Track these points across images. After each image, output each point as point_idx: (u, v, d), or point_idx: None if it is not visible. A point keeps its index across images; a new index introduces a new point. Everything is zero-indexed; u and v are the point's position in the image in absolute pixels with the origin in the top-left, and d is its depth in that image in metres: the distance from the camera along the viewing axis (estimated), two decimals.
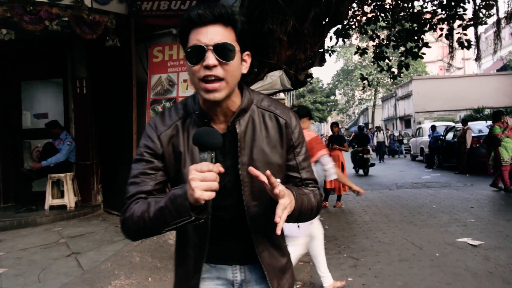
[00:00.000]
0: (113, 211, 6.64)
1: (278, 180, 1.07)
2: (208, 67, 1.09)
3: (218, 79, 1.10)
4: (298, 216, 1.20)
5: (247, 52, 1.21)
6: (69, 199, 6.57)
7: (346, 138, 14.20)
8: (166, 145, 1.22)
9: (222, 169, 1.01)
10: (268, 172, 1.04)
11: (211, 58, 1.08)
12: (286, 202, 1.06)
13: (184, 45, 1.16)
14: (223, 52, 1.09)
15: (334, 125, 8.82)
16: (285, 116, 1.28)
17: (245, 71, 1.21)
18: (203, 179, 0.97)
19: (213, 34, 1.10)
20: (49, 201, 6.49)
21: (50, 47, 7.09)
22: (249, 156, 1.21)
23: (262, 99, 1.29)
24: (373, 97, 38.94)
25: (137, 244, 4.56)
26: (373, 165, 14.64)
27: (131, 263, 3.97)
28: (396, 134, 25.52)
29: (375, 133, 22.57)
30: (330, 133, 9.66)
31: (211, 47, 1.09)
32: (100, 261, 4.09)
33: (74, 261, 4.22)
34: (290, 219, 1.14)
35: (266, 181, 1.05)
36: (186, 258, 1.28)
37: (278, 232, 1.03)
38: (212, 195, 0.98)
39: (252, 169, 1.07)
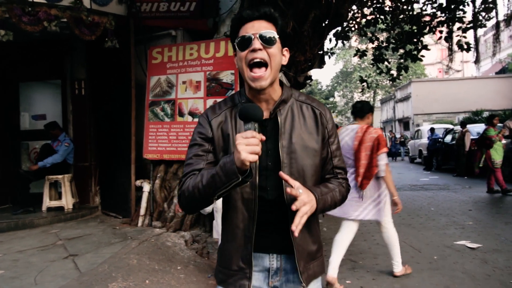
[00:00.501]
0: (111, 212, 6.62)
1: (300, 190, 1.24)
2: (254, 50, 1.31)
3: (263, 63, 1.32)
4: (319, 212, 1.35)
5: (285, 48, 1.43)
6: (67, 201, 6.54)
7: None
8: (216, 130, 1.42)
9: (263, 137, 1.16)
10: (292, 185, 1.24)
11: (257, 43, 1.31)
12: (305, 210, 1.23)
13: (233, 41, 1.39)
14: (266, 39, 1.32)
15: None
16: (320, 108, 1.47)
17: (285, 62, 1.43)
18: (248, 144, 1.12)
19: (259, 27, 1.33)
20: (47, 202, 6.47)
21: (49, 48, 7.07)
22: (288, 140, 1.38)
23: (300, 94, 1.50)
24: (372, 99, 38.97)
25: (134, 246, 4.55)
26: None
27: (129, 266, 3.95)
28: (398, 136, 25.16)
29: None
30: None
31: (257, 35, 1.32)
32: (97, 263, 4.07)
33: (72, 263, 4.19)
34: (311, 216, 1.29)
35: (293, 184, 1.24)
36: (236, 232, 1.40)
37: (296, 234, 1.18)
38: (255, 158, 1.13)
39: (281, 174, 1.24)
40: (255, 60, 1.31)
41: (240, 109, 1.21)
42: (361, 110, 4.03)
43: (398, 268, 4.03)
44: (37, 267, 4.09)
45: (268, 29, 1.33)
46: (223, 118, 1.43)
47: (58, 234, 5.41)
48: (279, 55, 1.37)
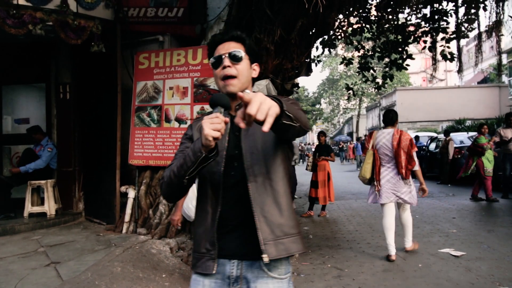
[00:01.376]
0: (95, 219, 6.52)
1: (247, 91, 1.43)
2: (225, 67, 1.53)
3: (232, 76, 1.53)
4: (288, 117, 1.29)
5: (256, 63, 1.65)
6: (49, 207, 6.42)
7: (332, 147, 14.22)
8: (196, 131, 1.62)
9: (227, 119, 1.30)
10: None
11: (226, 61, 1.54)
12: (259, 100, 1.16)
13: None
14: (234, 57, 1.55)
15: (321, 134, 8.83)
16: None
17: (255, 75, 1.65)
18: (211, 123, 1.27)
19: (228, 47, 1.57)
20: (29, 208, 6.33)
21: (34, 51, 6.98)
22: (249, 131, 1.51)
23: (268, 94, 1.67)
24: (357, 107, 39.37)
25: (118, 254, 4.48)
26: None
27: (112, 274, 3.88)
28: None
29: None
30: (316, 142, 9.68)
31: (227, 54, 1.55)
32: (80, 271, 4.00)
33: (53, 271, 4.11)
34: (289, 119, 1.28)
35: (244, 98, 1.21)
36: (205, 215, 1.53)
37: (265, 129, 1.14)
38: (217, 134, 1.26)
39: (239, 94, 1.22)
40: (226, 75, 1.53)
41: (210, 98, 1.39)
42: (392, 119, 5.16)
43: (409, 244, 5.12)
44: (17, 275, 4.00)
45: (236, 49, 1.56)
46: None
47: (40, 241, 5.30)
48: (248, 70, 1.59)
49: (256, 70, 1.65)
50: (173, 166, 1.46)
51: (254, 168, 1.49)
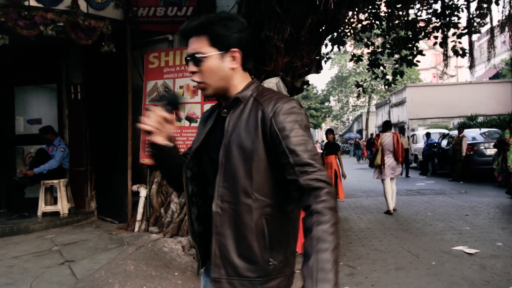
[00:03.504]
0: (107, 218, 6.57)
1: None
2: (191, 73, 1.36)
3: (200, 82, 1.35)
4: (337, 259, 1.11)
5: (233, 49, 1.32)
6: (63, 206, 6.48)
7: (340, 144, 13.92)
8: (200, 125, 1.56)
9: (170, 116, 1.38)
10: None
11: (191, 67, 1.35)
12: None
13: None
14: (195, 60, 1.32)
15: (329, 132, 8.79)
16: (265, 105, 1.29)
17: (235, 66, 1.34)
18: (148, 117, 1.35)
19: (190, 46, 1.34)
20: (42, 207, 6.41)
21: (45, 52, 7.04)
22: (228, 139, 1.30)
23: (261, 92, 1.37)
24: (367, 104, 39.12)
25: (131, 252, 4.51)
26: None
27: (126, 272, 3.91)
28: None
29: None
30: (325, 140, 9.66)
31: (189, 57, 1.34)
32: (94, 269, 4.03)
33: (68, 270, 4.15)
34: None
35: None
36: (190, 219, 1.48)
37: None
38: (146, 127, 1.38)
39: None
40: (194, 81, 1.38)
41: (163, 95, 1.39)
42: (390, 126, 8.04)
43: (394, 204, 7.75)
44: (32, 273, 4.05)
45: (196, 47, 1.32)
46: (203, 117, 1.56)
47: (53, 240, 5.36)
48: (218, 66, 1.32)
49: (236, 57, 1.34)
50: None
51: (223, 189, 1.29)
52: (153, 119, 1.36)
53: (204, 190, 1.44)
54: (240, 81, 1.37)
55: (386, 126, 8.00)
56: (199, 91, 5.70)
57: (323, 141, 37.56)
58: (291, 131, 1.23)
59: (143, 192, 5.84)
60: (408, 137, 15.62)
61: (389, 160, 7.62)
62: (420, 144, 17.64)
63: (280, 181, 1.28)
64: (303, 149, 1.22)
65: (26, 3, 4.98)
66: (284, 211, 1.32)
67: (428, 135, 16.01)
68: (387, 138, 7.70)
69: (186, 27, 1.35)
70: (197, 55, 1.31)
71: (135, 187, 5.92)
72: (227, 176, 1.28)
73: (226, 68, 1.34)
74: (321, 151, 9.54)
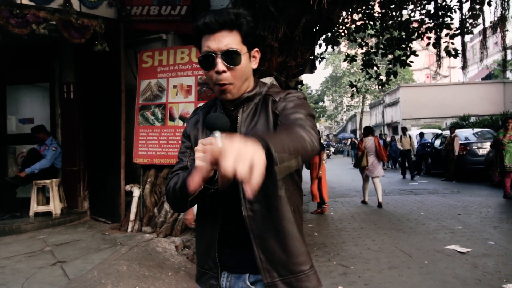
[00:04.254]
0: (100, 218, 6.53)
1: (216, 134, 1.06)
2: (218, 73, 1.20)
3: (229, 83, 1.23)
4: (296, 154, 1.00)
5: (256, 49, 1.31)
6: (55, 206, 6.43)
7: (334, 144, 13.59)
8: (192, 129, 1.40)
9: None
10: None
11: (220, 65, 1.19)
12: (228, 158, 0.85)
13: (200, 49, 1.27)
14: (231, 57, 1.20)
15: None
16: (275, 95, 1.31)
17: (255, 66, 1.32)
18: (204, 151, 1.00)
19: (220, 41, 1.19)
20: (34, 207, 6.35)
21: (38, 51, 6.98)
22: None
23: (270, 87, 1.38)
24: (361, 104, 39.27)
25: (124, 252, 4.49)
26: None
27: (119, 272, 3.89)
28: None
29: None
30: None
31: (219, 54, 1.19)
32: (86, 269, 4.01)
33: (60, 270, 4.12)
34: (286, 160, 0.96)
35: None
36: (206, 230, 1.34)
37: (249, 195, 0.85)
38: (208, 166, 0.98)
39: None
40: (221, 82, 1.22)
41: (206, 119, 1.16)
42: (371, 131, 8.79)
43: (381, 199, 8.42)
44: (24, 274, 4.01)
45: (232, 43, 1.20)
46: (199, 118, 1.41)
47: (46, 240, 5.31)
48: (247, 66, 1.26)
49: (256, 57, 1.32)
50: (175, 184, 1.27)
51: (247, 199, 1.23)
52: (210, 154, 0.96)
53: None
54: (252, 81, 1.34)
55: (368, 131, 8.78)
56: (193, 91, 5.72)
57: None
58: (298, 108, 1.24)
59: (136, 192, 5.81)
60: (409, 136, 14.94)
61: (372, 159, 8.49)
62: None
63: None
64: (302, 115, 1.22)
65: (18, 1, 4.93)
66: (300, 200, 1.37)
67: (421, 135, 16.10)
68: (369, 142, 8.51)
69: (220, 18, 1.19)
70: (235, 54, 1.20)
71: (128, 187, 5.89)
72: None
73: (250, 68, 1.30)
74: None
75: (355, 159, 9.34)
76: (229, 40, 1.20)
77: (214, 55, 1.20)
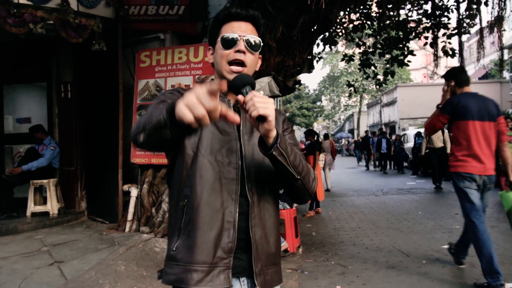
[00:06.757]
0: (97, 218, 6.52)
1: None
2: (239, 51, 1.33)
3: (242, 64, 1.34)
4: (294, 162, 1.26)
5: (260, 55, 1.45)
6: (52, 206, 6.42)
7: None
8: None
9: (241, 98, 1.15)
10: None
11: (242, 45, 1.34)
12: (259, 100, 1.12)
13: (212, 36, 1.42)
14: (252, 44, 1.36)
15: (307, 134, 8.73)
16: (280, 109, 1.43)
17: (257, 68, 1.46)
18: (194, 100, 0.93)
19: (246, 29, 1.36)
20: (31, 207, 6.33)
21: (35, 50, 6.96)
22: (250, 128, 1.37)
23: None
24: (358, 104, 39.33)
25: (122, 252, 4.48)
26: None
27: (116, 272, 3.88)
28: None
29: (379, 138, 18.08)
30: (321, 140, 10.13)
31: (244, 38, 1.34)
32: (84, 270, 4.00)
33: (57, 270, 4.11)
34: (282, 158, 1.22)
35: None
36: (214, 213, 1.30)
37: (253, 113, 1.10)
38: (190, 118, 0.93)
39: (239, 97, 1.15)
40: (238, 59, 1.34)
41: (234, 80, 1.22)
42: (328, 137, 12.16)
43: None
44: (21, 274, 4.00)
45: (255, 35, 1.38)
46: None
47: (43, 240, 5.30)
48: (256, 62, 1.43)
49: (259, 62, 1.47)
50: (149, 107, 1.26)
51: (254, 183, 1.32)
52: (200, 108, 0.93)
53: None
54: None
55: (326, 137, 12.15)
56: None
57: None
58: (295, 141, 1.50)
59: (134, 192, 5.80)
60: (423, 137, 13.01)
61: (328, 157, 11.21)
62: (411, 144, 17.75)
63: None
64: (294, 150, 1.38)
65: (15, 1, 4.91)
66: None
67: (418, 134, 16.12)
68: (327, 143, 11.35)
69: (248, 12, 1.37)
70: (257, 42, 1.37)
71: (126, 187, 5.88)
72: (254, 162, 1.34)
73: (256, 67, 1.45)
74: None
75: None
76: (252, 31, 1.38)
77: (238, 38, 1.34)
